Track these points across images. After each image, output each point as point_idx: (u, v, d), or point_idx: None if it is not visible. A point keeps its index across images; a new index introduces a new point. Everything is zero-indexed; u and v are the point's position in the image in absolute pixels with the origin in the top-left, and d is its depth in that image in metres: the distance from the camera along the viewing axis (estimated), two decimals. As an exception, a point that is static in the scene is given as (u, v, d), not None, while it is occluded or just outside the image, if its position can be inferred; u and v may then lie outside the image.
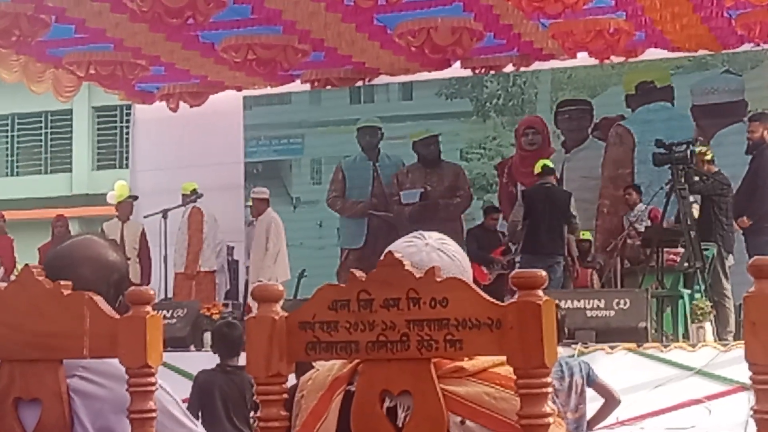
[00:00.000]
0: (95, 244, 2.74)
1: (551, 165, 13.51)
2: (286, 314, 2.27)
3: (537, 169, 13.21)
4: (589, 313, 10.72)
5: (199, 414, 7.01)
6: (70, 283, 2.38)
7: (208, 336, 10.05)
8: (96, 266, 2.65)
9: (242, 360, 7.18)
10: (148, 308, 2.32)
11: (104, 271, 2.65)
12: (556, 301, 2.18)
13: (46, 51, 14.46)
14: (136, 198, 14.05)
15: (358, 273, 2.23)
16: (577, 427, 6.96)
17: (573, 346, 9.68)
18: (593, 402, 7.35)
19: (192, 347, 10.73)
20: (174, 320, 11.16)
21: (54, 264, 2.65)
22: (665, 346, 10.48)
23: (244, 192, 16.61)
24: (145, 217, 13.67)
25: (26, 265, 2.38)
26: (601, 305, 10.79)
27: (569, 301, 10.38)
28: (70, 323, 2.32)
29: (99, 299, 2.35)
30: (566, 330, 7.31)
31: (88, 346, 2.32)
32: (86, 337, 2.31)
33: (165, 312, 11.15)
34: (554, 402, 6.21)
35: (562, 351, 7.56)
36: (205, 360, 8.02)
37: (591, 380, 7.12)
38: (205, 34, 13.69)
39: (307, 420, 2.29)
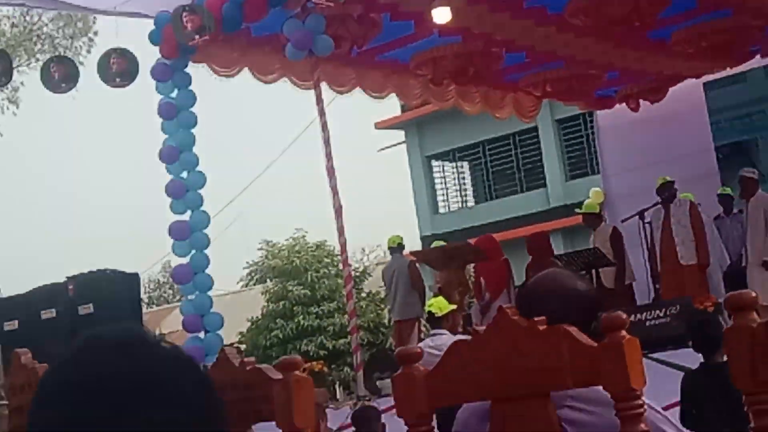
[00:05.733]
0: (559, 276, 2.79)
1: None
2: (764, 320, 2.20)
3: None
4: None
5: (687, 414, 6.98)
6: (544, 318, 2.44)
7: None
8: (563, 298, 2.70)
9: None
10: (623, 332, 2.34)
11: (572, 302, 2.69)
12: None
13: (502, 79, 14.92)
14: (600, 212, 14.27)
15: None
16: None
17: None
18: None
19: (690, 343, 10.53)
20: (668, 318, 11.05)
21: (524, 301, 2.73)
22: None
23: (720, 178, 16.17)
24: (622, 221, 13.67)
25: (500, 307, 2.47)
26: None
27: None
28: (550, 357, 2.38)
29: (574, 330, 2.39)
30: None
31: (571, 377, 2.36)
32: (568, 369, 2.36)
33: (657, 311, 11.07)
34: None
35: None
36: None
37: None
38: (653, 32, 13.52)
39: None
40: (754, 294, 2.24)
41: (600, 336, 2.39)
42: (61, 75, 13.22)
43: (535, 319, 2.43)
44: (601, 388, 2.35)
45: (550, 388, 2.42)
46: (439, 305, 11.04)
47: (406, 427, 2.62)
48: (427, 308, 11.49)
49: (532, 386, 2.42)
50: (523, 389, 2.44)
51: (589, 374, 2.34)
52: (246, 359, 2.91)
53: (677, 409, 7.55)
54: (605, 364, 2.31)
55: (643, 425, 2.31)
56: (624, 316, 2.34)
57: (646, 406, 2.35)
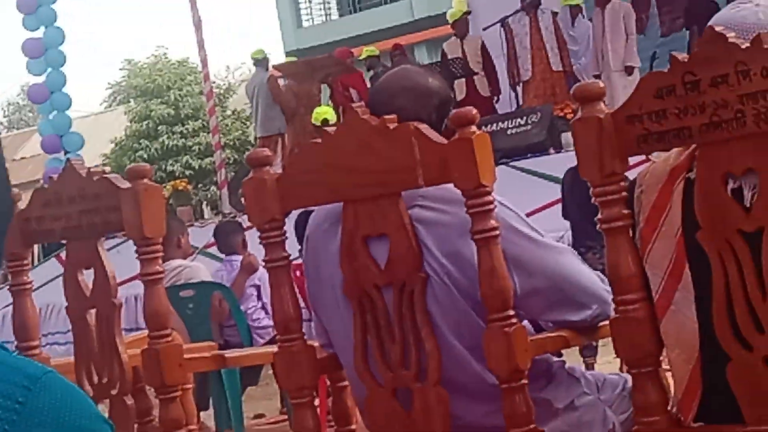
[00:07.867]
0: (410, 73, 2.71)
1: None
2: (611, 111, 2.19)
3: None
4: None
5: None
6: (394, 116, 2.40)
7: (566, 137, 10.02)
8: (414, 95, 2.63)
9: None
10: (473, 128, 2.31)
11: (423, 98, 2.63)
12: None
13: None
14: (469, 13, 13.93)
15: (681, 55, 2.11)
16: None
17: None
18: None
19: (551, 150, 10.72)
20: (529, 126, 11.18)
21: (374, 100, 2.66)
22: None
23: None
24: (484, 29, 13.56)
25: (350, 106, 2.42)
26: None
27: None
28: (401, 156, 2.35)
29: (424, 127, 2.36)
30: None
31: (422, 175, 2.34)
32: (418, 167, 2.34)
33: (519, 119, 11.19)
34: None
35: None
36: (565, 161, 7.96)
37: None
38: None
39: (650, 214, 2.22)
40: (601, 84, 2.22)
41: (452, 134, 2.36)
42: None
43: (386, 117, 2.38)
44: (452, 186, 2.33)
45: (401, 187, 2.39)
46: (330, 113, 11.01)
47: (257, 233, 2.58)
48: (316, 118, 11.37)
49: (383, 186, 2.39)
50: (375, 189, 2.40)
51: (440, 171, 2.32)
52: (93, 169, 2.82)
53: (539, 214, 7.73)
54: (455, 160, 2.29)
55: (493, 221, 2.31)
56: (474, 111, 2.31)
57: (496, 203, 2.35)
